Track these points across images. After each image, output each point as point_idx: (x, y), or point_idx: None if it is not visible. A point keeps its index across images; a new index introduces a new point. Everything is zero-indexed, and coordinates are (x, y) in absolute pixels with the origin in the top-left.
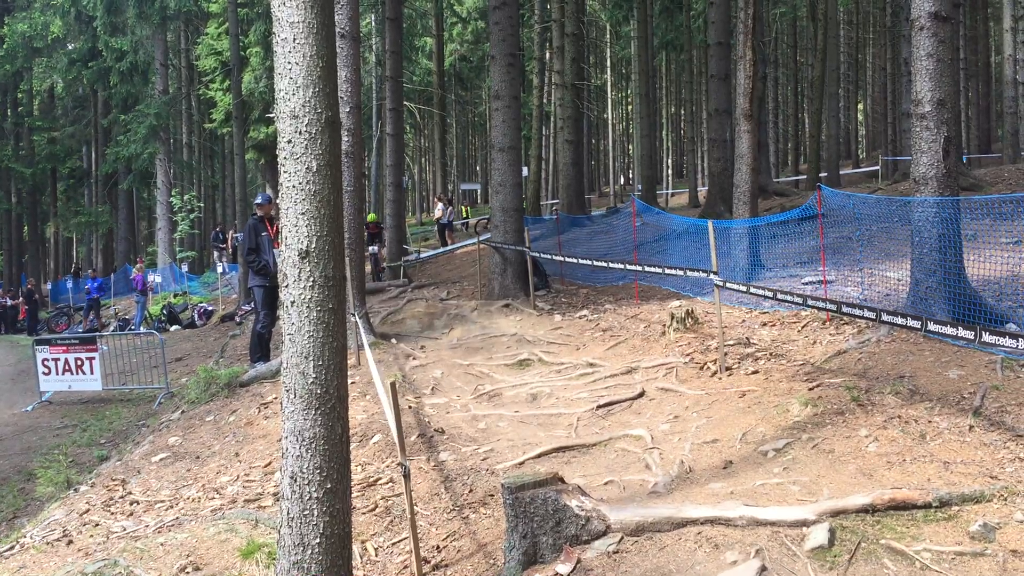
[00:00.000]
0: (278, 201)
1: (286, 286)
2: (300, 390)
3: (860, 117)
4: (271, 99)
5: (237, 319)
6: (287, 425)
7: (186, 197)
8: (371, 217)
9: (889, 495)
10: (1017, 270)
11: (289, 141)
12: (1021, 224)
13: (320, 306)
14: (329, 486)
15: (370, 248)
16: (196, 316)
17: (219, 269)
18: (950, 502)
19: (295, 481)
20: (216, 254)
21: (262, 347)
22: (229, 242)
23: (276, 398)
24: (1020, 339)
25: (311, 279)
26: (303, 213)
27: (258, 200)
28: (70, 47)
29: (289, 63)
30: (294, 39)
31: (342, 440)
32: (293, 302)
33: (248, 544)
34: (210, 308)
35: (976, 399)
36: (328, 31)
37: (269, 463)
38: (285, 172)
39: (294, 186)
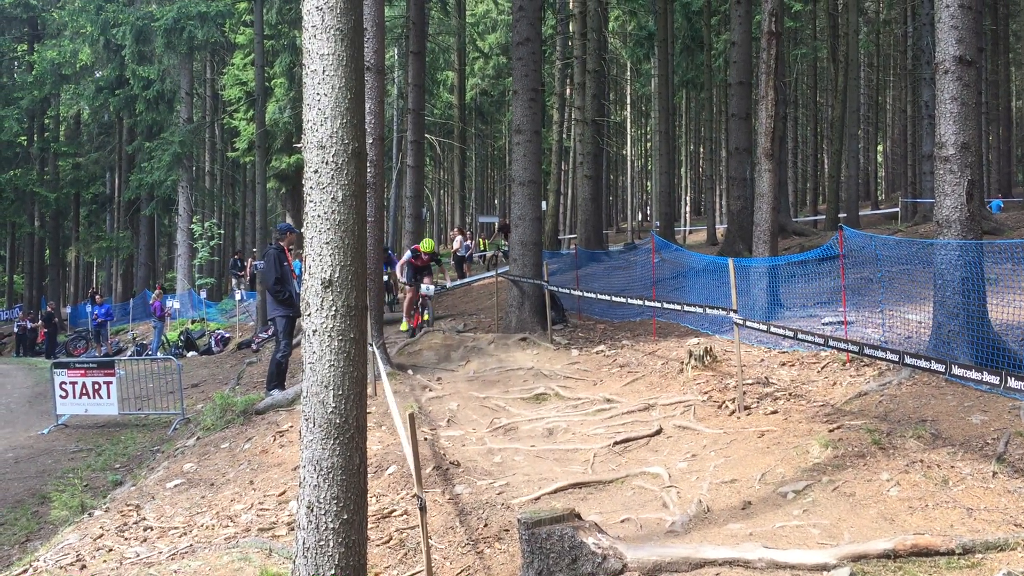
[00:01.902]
0: (302, 230)
1: (308, 315)
2: (319, 419)
3: (879, 159)
4: (294, 129)
5: (254, 346)
6: (305, 454)
7: (206, 224)
8: (428, 245)
9: (911, 541)
10: None
11: (316, 171)
12: None
13: (342, 335)
14: (346, 517)
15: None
16: (213, 342)
17: (237, 296)
18: (974, 549)
19: (311, 511)
20: (235, 281)
21: (279, 375)
22: (248, 269)
23: (292, 427)
24: None
25: (334, 308)
26: (328, 243)
27: (281, 228)
28: (97, 75)
29: (318, 94)
30: (323, 71)
31: (360, 471)
32: (315, 331)
33: (261, 573)
34: (227, 335)
35: (1000, 445)
36: (357, 64)
37: (283, 492)
38: (311, 201)
39: (319, 215)
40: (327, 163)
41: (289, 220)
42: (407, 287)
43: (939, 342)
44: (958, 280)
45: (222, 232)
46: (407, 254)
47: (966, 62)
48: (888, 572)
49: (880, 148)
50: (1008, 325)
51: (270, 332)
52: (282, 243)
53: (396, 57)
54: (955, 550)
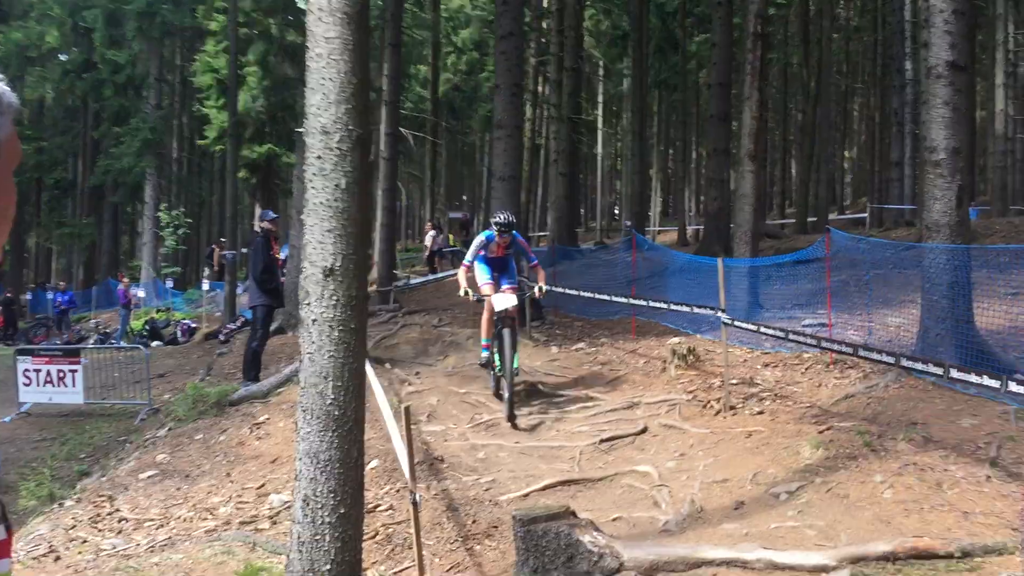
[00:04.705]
0: (303, 217)
1: (308, 304)
2: (317, 411)
3: (846, 165)
4: (266, 119)
5: (221, 337)
6: (302, 446)
7: (174, 213)
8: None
9: (911, 543)
10: (1018, 321)
11: (319, 157)
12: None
13: (343, 326)
14: (343, 511)
15: None
16: (179, 333)
17: (204, 286)
18: (973, 553)
19: (307, 504)
20: (206, 272)
21: (255, 366)
22: (216, 259)
23: (269, 419)
24: None
25: (335, 298)
26: (330, 231)
27: (270, 216)
28: (64, 58)
29: (323, 79)
30: (329, 55)
31: (357, 464)
32: (315, 320)
33: (246, 567)
34: (194, 325)
35: (992, 449)
36: (362, 49)
37: (263, 485)
38: (312, 188)
39: (321, 203)
40: (331, 149)
41: (258, 209)
42: (472, 294)
43: (926, 345)
44: (946, 284)
45: (190, 221)
46: (478, 239)
47: (959, 67)
48: (887, 574)
49: (847, 154)
50: (989, 330)
51: (239, 323)
52: (272, 229)
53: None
54: (954, 553)
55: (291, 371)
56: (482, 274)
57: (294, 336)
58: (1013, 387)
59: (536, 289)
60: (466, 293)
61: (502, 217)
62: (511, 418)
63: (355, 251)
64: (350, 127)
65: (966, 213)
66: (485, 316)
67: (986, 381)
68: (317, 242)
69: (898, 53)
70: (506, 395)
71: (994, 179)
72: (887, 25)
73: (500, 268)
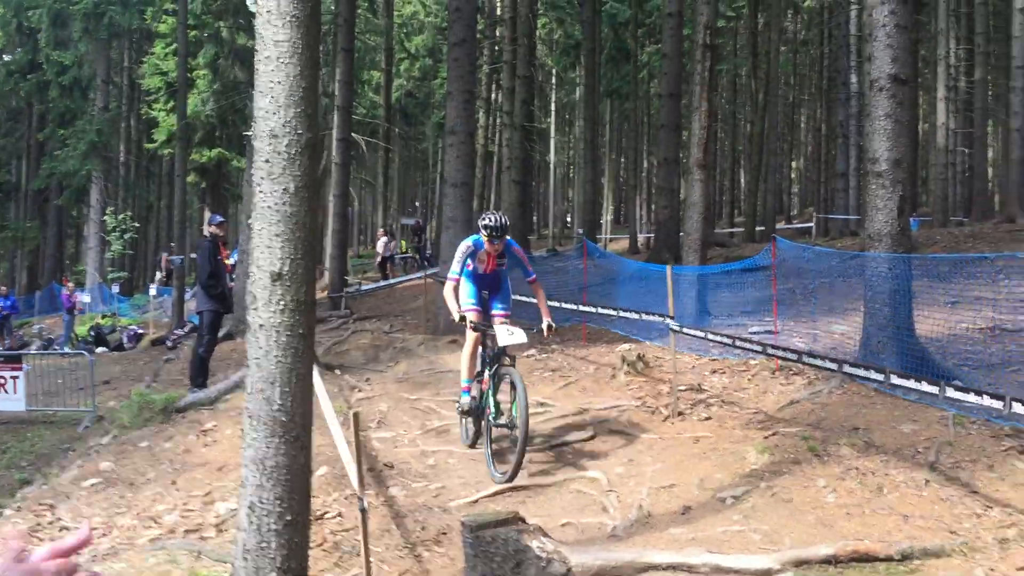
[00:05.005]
0: (250, 222)
1: (255, 308)
2: (264, 417)
3: (793, 175)
4: (216, 122)
5: (169, 343)
6: (248, 453)
7: (120, 217)
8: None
9: (852, 547)
10: (957, 329)
11: (267, 161)
12: (959, 285)
13: (290, 331)
14: (289, 518)
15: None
16: (126, 339)
17: (151, 291)
18: (912, 556)
19: (253, 511)
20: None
21: (203, 372)
22: (164, 264)
23: (216, 425)
24: (984, 396)
25: (282, 303)
26: (278, 235)
27: (217, 220)
28: (7, 58)
29: (271, 82)
30: (278, 58)
31: (304, 470)
32: (262, 325)
33: None
34: (140, 331)
35: (931, 454)
36: (312, 52)
37: (209, 492)
38: (261, 192)
39: (269, 207)
40: (279, 153)
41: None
42: (460, 317)
43: (868, 352)
44: (887, 293)
45: (137, 225)
46: (463, 246)
47: (900, 80)
48: None
49: (794, 164)
50: (928, 338)
51: (187, 329)
52: (220, 233)
53: (322, 54)
54: (894, 556)
55: (239, 377)
56: (467, 295)
57: (243, 342)
58: (951, 393)
59: (545, 326)
60: (462, 319)
61: (492, 219)
62: (510, 479)
63: (303, 256)
64: (299, 131)
65: (907, 223)
66: (468, 349)
67: (925, 387)
68: (265, 246)
69: (844, 66)
70: (515, 458)
71: (935, 190)
72: (833, 39)
73: (491, 286)
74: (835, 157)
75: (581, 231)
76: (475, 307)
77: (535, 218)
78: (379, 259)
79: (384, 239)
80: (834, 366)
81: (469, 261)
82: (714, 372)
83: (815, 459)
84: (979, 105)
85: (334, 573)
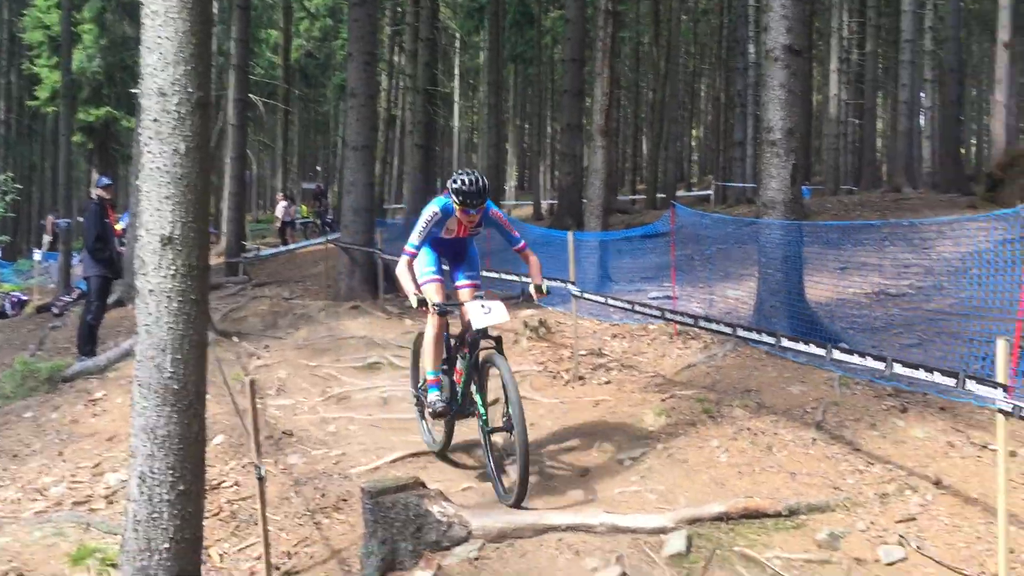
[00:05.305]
0: (138, 183)
1: (144, 273)
2: (155, 385)
3: (693, 144)
4: (104, 80)
5: (55, 310)
6: (138, 422)
7: (1, 178)
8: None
9: (742, 504)
10: (845, 294)
11: (155, 120)
12: (848, 251)
13: (182, 296)
14: (182, 488)
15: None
16: (8, 305)
17: (36, 256)
18: (798, 511)
19: (144, 482)
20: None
21: (91, 339)
22: (50, 228)
23: (105, 395)
24: (867, 358)
25: (173, 267)
26: (167, 197)
27: (104, 183)
28: None
29: (159, 38)
30: (166, 12)
31: (198, 439)
32: (152, 291)
33: (79, 549)
34: (24, 297)
35: (818, 414)
36: (204, 7)
37: (98, 464)
38: (149, 153)
39: (158, 168)
40: (168, 112)
41: (95, 175)
42: (420, 301)
43: (761, 316)
44: (780, 259)
45: (19, 187)
46: (428, 212)
47: (794, 51)
48: (721, 534)
49: (695, 133)
50: (818, 302)
51: (74, 295)
52: (107, 196)
53: (216, 11)
54: (782, 512)
55: (130, 345)
56: (424, 264)
57: (133, 308)
58: (837, 355)
59: (532, 288)
60: (422, 303)
61: (467, 180)
62: (518, 501)
63: (195, 219)
64: (189, 89)
65: (799, 191)
66: (430, 333)
67: (813, 350)
68: (154, 209)
69: (742, 36)
70: (518, 472)
71: (827, 160)
72: (732, 9)
73: (453, 254)
74: (733, 126)
75: None
76: (435, 276)
77: (439, 183)
78: (279, 224)
79: (284, 203)
80: (728, 330)
81: (435, 230)
82: (614, 337)
83: (709, 420)
84: (870, 77)
85: (231, 542)
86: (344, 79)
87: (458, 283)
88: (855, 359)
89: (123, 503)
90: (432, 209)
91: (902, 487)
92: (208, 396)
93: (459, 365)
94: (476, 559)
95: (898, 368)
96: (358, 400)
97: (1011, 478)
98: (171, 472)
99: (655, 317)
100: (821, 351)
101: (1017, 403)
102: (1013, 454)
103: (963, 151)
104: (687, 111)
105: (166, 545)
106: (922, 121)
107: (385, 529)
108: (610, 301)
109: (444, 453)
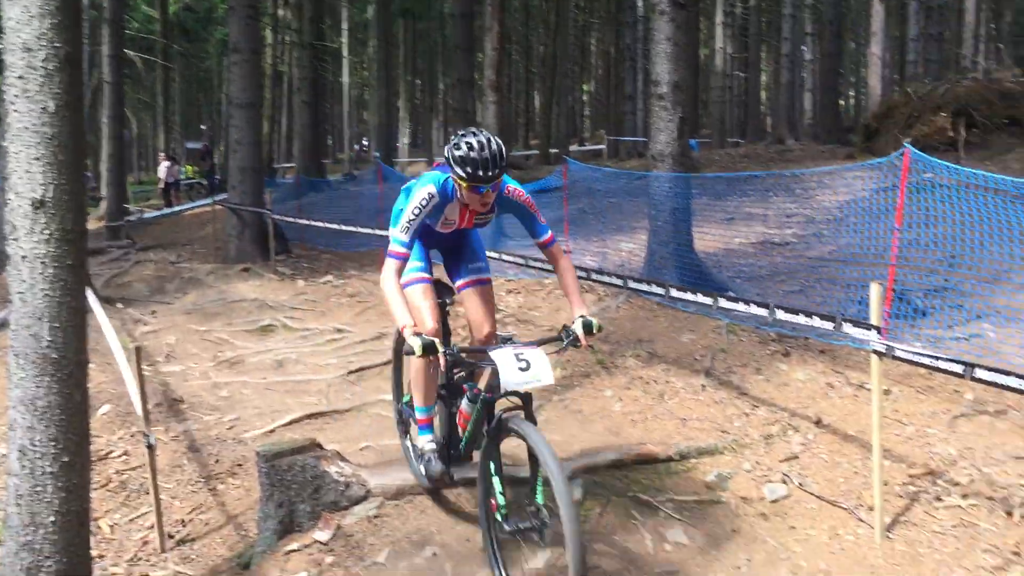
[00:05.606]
0: (5, 144)
1: (15, 239)
2: (32, 355)
3: (584, 98)
4: None
5: None
6: (15, 393)
7: None
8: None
9: (636, 451)
10: (732, 244)
11: (21, 77)
12: (734, 202)
13: (57, 262)
14: (66, 459)
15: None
16: None
17: None
18: (689, 455)
19: (25, 455)
20: None
21: None
22: None
23: None
24: (751, 305)
25: (47, 232)
26: (37, 158)
27: None
28: None
29: None
30: None
31: (81, 409)
32: (24, 256)
33: None
34: None
35: (707, 361)
36: None
37: None
38: (16, 112)
39: (26, 127)
40: (35, 68)
41: None
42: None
43: (652, 268)
44: (669, 211)
45: None
46: (419, 194)
47: (679, 4)
48: (616, 480)
49: (586, 87)
50: (705, 253)
51: None
52: None
53: None
54: (673, 457)
55: (5, 315)
56: (412, 262)
57: (5, 275)
58: (724, 303)
59: (579, 327)
60: (428, 351)
61: (475, 142)
62: None
63: (68, 181)
64: (56, 44)
65: (687, 144)
66: (419, 362)
67: (701, 299)
68: (24, 171)
69: None
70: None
71: (714, 113)
72: None
73: (452, 249)
74: (624, 80)
75: (377, 155)
76: (422, 275)
77: (330, 141)
78: (162, 185)
79: (166, 164)
80: (620, 282)
81: (428, 220)
82: (509, 292)
83: (603, 371)
84: (753, 31)
85: (122, 513)
86: (226, 34)
87: (459, 282)
88: (740, 307)
89: (3, 478)
90: (426, 190)
91: (785, 428)
92: (92, 365)
93: (464, 406)
94: (376, 517)
95: (780, 314)
96: (251, 364)
97: (885, 415)
98: (53, 444)
99: (550, 272)
100: (709, 300)
101: (890, 343)
102: (887, 392)
103: (842, 103)
104: (578, 66)
105: (51, 519)
106: (804, 74)
107: (282, 492)
108: (504, 257)
109: (438, 492)
